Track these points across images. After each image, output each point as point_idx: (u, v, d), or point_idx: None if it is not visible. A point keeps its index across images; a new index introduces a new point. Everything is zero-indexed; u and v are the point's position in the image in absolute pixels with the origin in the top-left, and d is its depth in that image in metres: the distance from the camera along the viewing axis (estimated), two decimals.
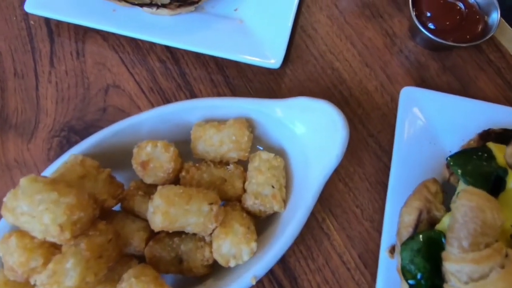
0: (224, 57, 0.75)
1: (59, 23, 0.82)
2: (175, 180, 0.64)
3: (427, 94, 0.71)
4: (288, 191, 0.65)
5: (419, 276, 0.53)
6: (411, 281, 0.54)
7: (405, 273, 0.54)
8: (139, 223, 0.61)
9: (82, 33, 0.81)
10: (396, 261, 0.60)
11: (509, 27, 0.78)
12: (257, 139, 0.69)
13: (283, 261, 0.67)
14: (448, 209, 0.59)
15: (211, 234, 0.59)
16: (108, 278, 0.56)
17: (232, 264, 0.57)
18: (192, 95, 0.77)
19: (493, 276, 0.47)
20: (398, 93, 0.72)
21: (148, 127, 0.67)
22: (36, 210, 0.49)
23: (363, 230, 0.69)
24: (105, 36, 0.81)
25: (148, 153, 0.61)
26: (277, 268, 0.67)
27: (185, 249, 0.60)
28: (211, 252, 0.59)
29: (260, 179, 0.61)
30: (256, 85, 0.77)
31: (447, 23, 0.73)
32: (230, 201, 0.64)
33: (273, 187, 0.62)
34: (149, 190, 0.63)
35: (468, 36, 0.72)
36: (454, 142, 0.68)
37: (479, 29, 0.72)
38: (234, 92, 0.77)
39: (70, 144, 0.74)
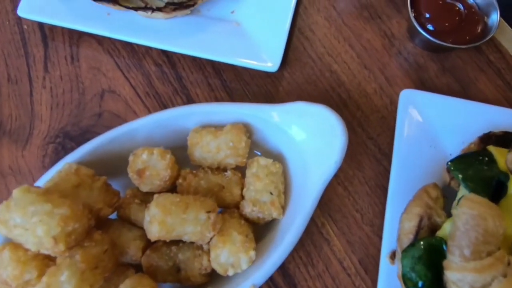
0: (220, 60, 0.74)
1: (53, 27, 0.80)
2: (172, 187, 0.63)
3: (427, 96, 0.70)
4: (287, 197, 0.64)
5: (420, 284, 0.53)
6: None
7: (406, 281, 0.54)
8: (136, 231, 0.60)
9: (76, 37, 0.80)
10: (397, 267, 0.59)
11: (509, 27, 0.77)
12: (255, 144, 0.68)
13: (282, 268, 0.67)
14: (449, 214, 0.59)
15: (209, 242, 0.58)
16: None
17: (230, 273, 0.57)
18: (189, 99, 0.76)
19: (495, 286, 0.46)
20: (397, 95, 0.71)
21: (144, 133, 0.66)
22: (30, 222, 0.48)
23: (363, 235, 0.68)
24: (100, 40, 0.80)
25: (144, 161, 0.60)
26: (277, 275, 0.66)
27: (182, 257, 0.59)
28: (209, 260, 0.58)
29: (258, 186, 0.61)
30: (254, 88, 0.76)
31: (446, 24, 0.72)
32: (228, 208, 0.63)
33: (271, 193, 0.61)
34: (146, 198, 0.62)
35: (467, 37, 0.71)
36: (455, 145, 0.67)
37: (479, 30, 0.71)
38: (231, 96, 0.76)
39: (66, 150, 0.74)
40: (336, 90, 0.76)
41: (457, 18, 0.72)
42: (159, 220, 0.53)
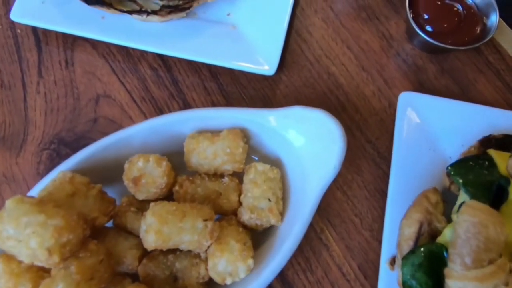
0: (217, 64, 0.73)
1: (46, 31, 0.79)
2: (169, 194, 0.62)
3: (426, 99, 0.69)
4: (285, 203, 0.63)
5: None
6: None
7: None
8: (132, 240, 0.59)
9: (70, 41, 0.79)
10: (396, 273, 0.59)
11: (508, 28, 0.76)
12: (252, 149, 0.67)
13: (281, 274, 0.65)
14: (449, 220, 0.58)
15: (206, 250, 0.57)
16: None
17: (228, 281, 0.56)
18: (185, 103, 0.75)
19: None
20: (396, 97, 0.70)
21: (140, 139, 0.65)
22: (23, 233, 0.47)
23: (362, 240, 0.67)
24: (94, 44, 0.79)
25: (140, 168, 0.59)
26: (275, 282, 0.65)
27: (180, 266, 0.58)
28: (206, 269, 0.57)
29: (256, 192, 0.60)
30: (251, 92, 0.76)
31: (445, 25, 0.71)
32: (225, 215, 0.62)
33: (269, 200, 0.60)
34: (142, 205, 0.61)
35: (466, 38, 0.70)
36: (454, 148, 0.66)
37: (478, 31, 0.70)
38: (228, 99, 0.75)
39: (60, 157, 0.73)
40: (334, 92, 0.75)
41: (456, 19, 0.71)
42: (155, 230, 0.52)
